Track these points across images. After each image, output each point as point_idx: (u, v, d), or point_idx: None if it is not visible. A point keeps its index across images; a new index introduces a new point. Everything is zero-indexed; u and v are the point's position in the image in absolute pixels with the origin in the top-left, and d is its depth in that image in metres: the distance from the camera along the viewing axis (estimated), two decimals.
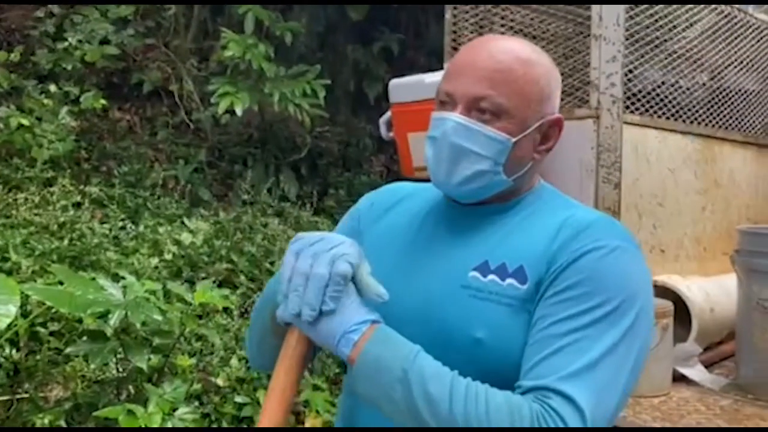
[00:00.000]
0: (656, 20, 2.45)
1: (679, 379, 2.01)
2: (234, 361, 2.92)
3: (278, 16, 4.39)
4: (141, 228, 3.58)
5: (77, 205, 3.62)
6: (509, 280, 0.94)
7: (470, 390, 0.84)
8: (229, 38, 4.00)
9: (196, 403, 2.66)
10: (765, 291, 1.91)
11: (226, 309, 3.11)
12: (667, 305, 1.93)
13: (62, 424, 2.35)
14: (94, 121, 4.37)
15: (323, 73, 4.36)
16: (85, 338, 2.39)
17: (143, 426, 2.15)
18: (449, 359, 0.90)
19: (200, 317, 3.01)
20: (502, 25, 2.44)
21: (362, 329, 0.88)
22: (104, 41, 4.34)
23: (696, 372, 2.02)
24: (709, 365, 2.18)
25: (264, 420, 0.90)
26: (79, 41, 4.26)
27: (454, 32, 2.52)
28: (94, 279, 2.50)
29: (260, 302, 1.09)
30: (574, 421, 0.81)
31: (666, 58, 2.58)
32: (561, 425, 0.80)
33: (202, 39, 4.99)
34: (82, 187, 3.75)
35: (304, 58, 4.81)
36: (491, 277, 0.95)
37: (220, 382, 2.83)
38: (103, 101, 4.16)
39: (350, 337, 0.87)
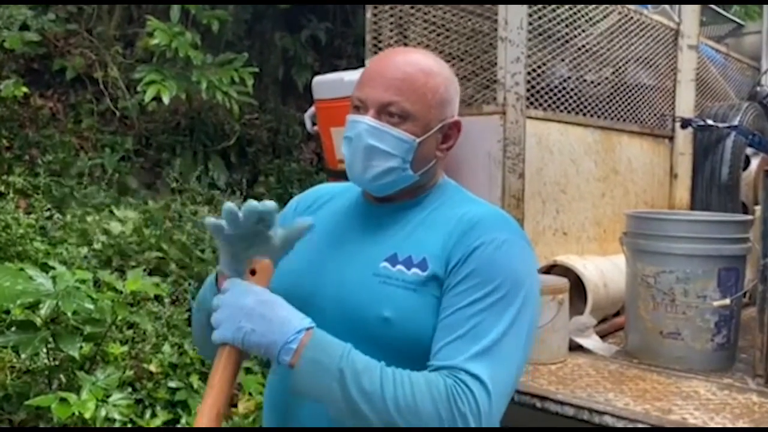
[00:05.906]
0: (562, 20, 2.65)
1: (576, 348, 2.24)
2: (166, 348, 2.97)
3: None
4: (68, 218, 3.56)
5: (0, 195, 3.57)
6: (414, 270, 1.10)
7: (396, 376, 0.99)
8: (155, 26, 3.97)
9: (130, 390, 2.71)
10: (648, 268, 2.16)
11: (157, 297, 3.16)
12: (563, 282, 2.15)
13: None
14: (14, 108, 4.26)
15: (251, 61, 4.40)
16: (14, 329, 2.41)
17: (76, 413, 2.21)
18: (362, 336, 1.06)
19: (131, 305, 3.05)
20: (425, 21, 2.58)
21: (299, 338, 1.00)
22: (24, 27, 4.23)
23: (591, 341, 2.26)
24: (604, 335, 2.43)
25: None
26: None
27: (375, 30, 2.65)
28: (22, 269, 2.51)
29: (199, 300, 1.20)
30: (479, 392, 0.99)
31: (572, 54, 2.79)
32: (470, 394, 0.98)
33: (126, 25, 4.91)
34: (5, 176, 3.69)
35: (231, 45, 4.82)
36: (399, 267, 1.11)
37: (152, 368, 2.88)
38: (24, 89, 4.07)
39: (290, 347, 1.00)
